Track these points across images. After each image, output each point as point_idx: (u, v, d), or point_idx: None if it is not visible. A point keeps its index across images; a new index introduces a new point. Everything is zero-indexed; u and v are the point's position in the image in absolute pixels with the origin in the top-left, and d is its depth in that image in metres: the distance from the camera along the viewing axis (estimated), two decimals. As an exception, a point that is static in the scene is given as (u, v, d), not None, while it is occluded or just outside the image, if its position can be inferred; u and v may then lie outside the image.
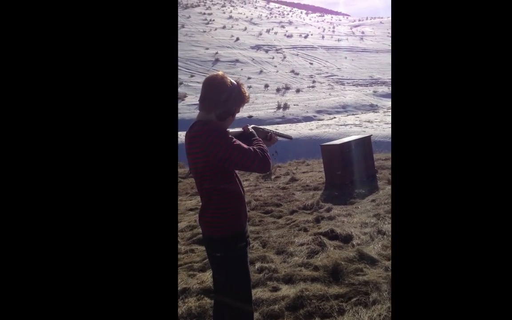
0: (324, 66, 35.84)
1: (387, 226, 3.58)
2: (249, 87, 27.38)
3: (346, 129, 14.62)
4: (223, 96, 1.50)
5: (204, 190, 1.55)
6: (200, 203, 1.62)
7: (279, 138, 1.84)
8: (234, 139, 1.48)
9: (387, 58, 39.19)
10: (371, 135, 6.83)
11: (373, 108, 22.61)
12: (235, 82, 1.56)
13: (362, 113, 21.06)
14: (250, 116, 19.78)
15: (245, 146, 1.48)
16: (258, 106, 22.72)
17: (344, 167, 5.65)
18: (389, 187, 5.28)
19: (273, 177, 7.10)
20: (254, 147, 1.51)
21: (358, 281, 2.53)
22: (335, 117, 19.82)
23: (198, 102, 1.57)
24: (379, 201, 4.60)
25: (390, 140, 12.29)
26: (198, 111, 1.58)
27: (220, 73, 1.56)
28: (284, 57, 36.97)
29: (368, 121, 16.58)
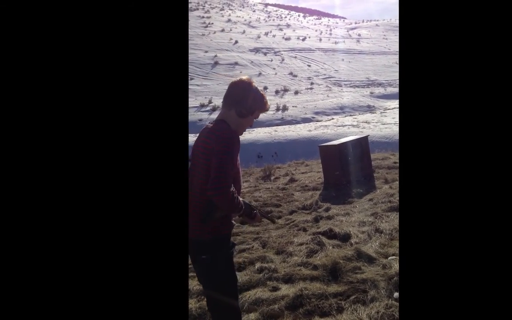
0: (321, 68, 35.92)
1: (384, 225, 3.62)
2: (248, 89, 27.34)
3: (344, 130, 14.66)
4: (245, 94, 1.60)
5: (192, 187, 1.54)
6: None
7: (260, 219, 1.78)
8: (236, 156, 1.51)
9: (383, 60, 39.31)
10: (369, 135, 6.88)
11: (370, 109, 22.67)
12: (260, 89, 1.68)
13: (359, 114, 21.10)
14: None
15: (230, 172, 1.46)
16: (256, 108, 22.69)
17: (342, 167, 5.69)
18: (386, 186, 5.32)
19: (272, 178, 7.13)
20: (237, 195, 1.49)
21: (357, 279, 2.56)
22: (333, 118, 19.87)
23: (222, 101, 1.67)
24: (377, 200, 4.64)
25: (387, 140, 12.36)
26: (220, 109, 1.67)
27: (246, 77, 1.68)
28: (283, 60, 37.03)
29: (366, 122, 16.62)
